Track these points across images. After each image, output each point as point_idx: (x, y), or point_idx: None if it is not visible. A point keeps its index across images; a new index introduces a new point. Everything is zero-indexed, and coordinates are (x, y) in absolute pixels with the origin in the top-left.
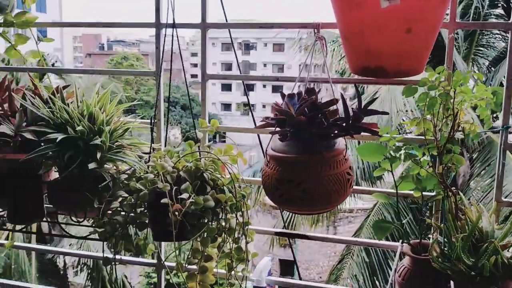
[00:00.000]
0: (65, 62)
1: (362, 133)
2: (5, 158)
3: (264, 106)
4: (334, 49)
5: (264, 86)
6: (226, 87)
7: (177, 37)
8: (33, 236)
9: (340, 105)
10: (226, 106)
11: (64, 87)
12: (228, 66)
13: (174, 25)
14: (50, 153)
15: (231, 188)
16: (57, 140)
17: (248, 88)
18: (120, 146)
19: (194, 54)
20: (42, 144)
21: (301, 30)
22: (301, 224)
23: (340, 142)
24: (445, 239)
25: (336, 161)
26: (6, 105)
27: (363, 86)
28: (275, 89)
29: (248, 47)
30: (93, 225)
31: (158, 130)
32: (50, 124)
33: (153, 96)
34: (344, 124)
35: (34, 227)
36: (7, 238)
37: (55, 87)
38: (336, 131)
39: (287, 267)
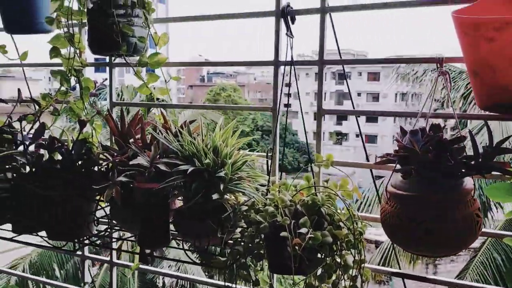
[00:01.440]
0: (170, 93)
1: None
2: (141, 187)
3: (357, 136)
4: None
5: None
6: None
7: (295, 74)
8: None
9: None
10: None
11: (191, 122)
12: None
13: (292, 63)
14: (179, 183)
15: (348, 224)
16: (188, 172)
17: (342, 117)
18: (239, 178)
19: (287, 84)
20: (174, 175)
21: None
22: (400, 260)
23: (468, 181)
24: None
25: (464, 201)
26: (138, 136)
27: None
28: (369, 119)
29: (341, 76)
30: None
31: (273, 163)
32: (179, 156)
33: (248, 125)
34: (472, 163)
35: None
36: (118, 257)
37: (183, 121)
38: (463, 170)
39: None
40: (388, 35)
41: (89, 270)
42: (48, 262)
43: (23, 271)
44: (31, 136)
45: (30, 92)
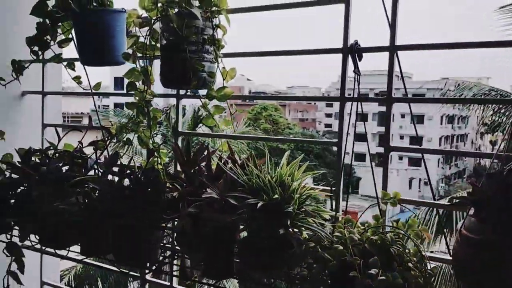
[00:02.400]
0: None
1: None
2: (211, 219)
3: (400, 158)
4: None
5: (402, 137)
6: (361, 138)
7: (362, 110)
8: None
9: None
10: (360, 156)
11: (257, 155)
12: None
13: (359, 99)
14: (245, 215)
15: (418, 266)
16: (258, 207)
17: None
18: (304, 212)
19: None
20: (242, 208)
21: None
22: None
23: None
24: None
25: None
26: (203, 164)
27: None
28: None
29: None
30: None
31: (337, 198)
32: (246, 189)
33: (289, 144)
34: None
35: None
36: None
37: (249, 154)
38: None
39: None
40: (435, 56)
41: None
42: (92, 275)
43: (68, 282)
44: (100, 161)
45: (99, 120)
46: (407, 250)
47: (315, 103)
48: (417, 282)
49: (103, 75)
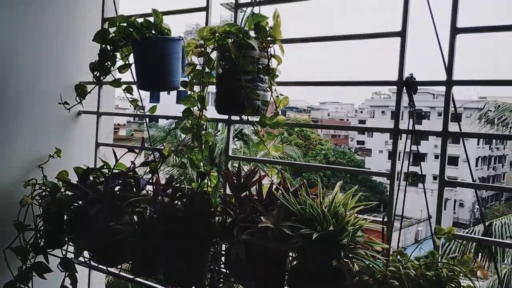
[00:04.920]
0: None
1: None
2: (266, 247)
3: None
4: None
5: (437, 157)
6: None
7: (416, 143)
8: None
9: None
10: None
11: (309, 184)
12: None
13: (413, 131)
14: (300, 245)
15: None
16: (313, 238)
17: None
18: (356, 243)
19: (361, 121)
20: (296, 237)
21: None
22: None
23: None
24: None
25: None
26: (254, 189)
27: None
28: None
29: (420, 116)
30: None
31: (389, 230)
32: (299, 218)
33: (320, 161)
34: None
35: None
36: None
37: (301, 182)
38: None
39: None
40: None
41: None
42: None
43: None
44: (150, 181)
45: (150, 141)
46: None
47: (347, 119)
48: None
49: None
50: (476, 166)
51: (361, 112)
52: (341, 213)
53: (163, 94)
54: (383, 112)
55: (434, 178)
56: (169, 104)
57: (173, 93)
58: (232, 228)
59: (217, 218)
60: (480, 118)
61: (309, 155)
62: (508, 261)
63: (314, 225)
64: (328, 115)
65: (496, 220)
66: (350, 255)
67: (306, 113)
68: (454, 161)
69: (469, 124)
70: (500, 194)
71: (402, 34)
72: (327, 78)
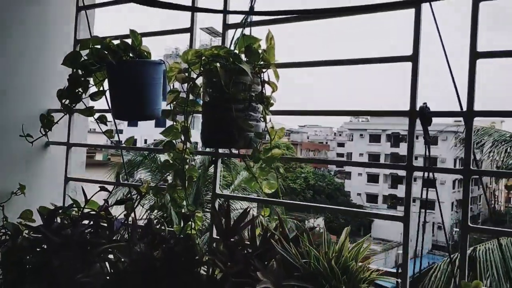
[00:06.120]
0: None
1: None
2: None
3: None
4: (506, 149)
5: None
6: (373, 179)
7: (434, 180)
8: None
9: None
10: (372, 197)
11: (311, 229)
12: (375, 157)
13: (430, 169)
14: None
15: None
16: None
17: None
18: None
19: (340, 144)
20: None
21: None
22: None
23: None
24: None
25: None
26: (246, 233)
27: None
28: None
29: (397, 139)
30: None
31: (403, 281)
32: (303, 274)
33: (300, 184)
34: None
35: None
36: None
37: (302, 228)
38: None
39: None
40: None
41: None
42: None
43: None
44: (123, 221)
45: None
46: None
47: (326, 142)
48: None
49: None
50: (453, 188)
51: (340, 135)
52: (352, 267)
53: None
54: (361, 135)
55: (413, 200)
56: (147, 128)
57: None
58: (222, 284)
59: (204, 267)
60: (456, 143)
61: (289, 179)
62: None
63: (321, 283)
64: (308, 138)
65: (480, 246)
66: None
67: (286, 136)
68: (432, 186)
69: (448, 148)
70: (477, 216)
71: (414, 58)
72: (322, 104)
